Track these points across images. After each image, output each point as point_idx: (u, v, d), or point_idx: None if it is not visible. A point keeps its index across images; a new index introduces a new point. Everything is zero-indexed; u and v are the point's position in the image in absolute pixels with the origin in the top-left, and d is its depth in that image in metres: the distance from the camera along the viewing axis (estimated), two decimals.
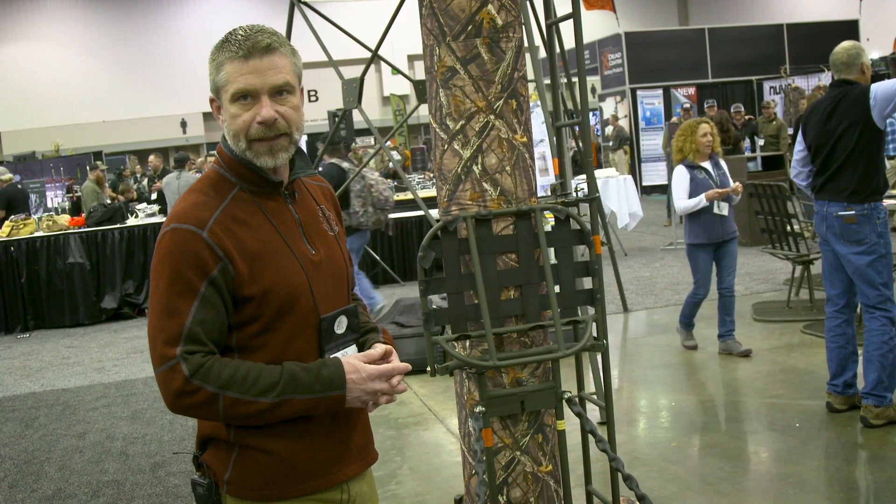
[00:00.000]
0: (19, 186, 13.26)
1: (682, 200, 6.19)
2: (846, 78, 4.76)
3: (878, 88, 4.57)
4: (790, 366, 6.02)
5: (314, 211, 2.01)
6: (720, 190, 6.12)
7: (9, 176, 12.63)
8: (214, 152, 2.03)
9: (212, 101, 1.91)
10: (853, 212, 4.66)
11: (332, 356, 1.90)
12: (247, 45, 1.81)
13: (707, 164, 6.26)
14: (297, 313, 1.87)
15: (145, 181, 17.20)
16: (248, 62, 1.81)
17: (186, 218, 1.81)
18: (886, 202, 4.91)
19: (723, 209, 6.17)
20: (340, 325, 1.96)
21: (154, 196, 13.55)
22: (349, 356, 1.89)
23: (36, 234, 10.45)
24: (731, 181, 6.29)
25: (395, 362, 1.93)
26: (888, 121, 4.65)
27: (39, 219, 11.23)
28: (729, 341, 6.34)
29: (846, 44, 4.84)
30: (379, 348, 1.94)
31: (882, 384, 4.67)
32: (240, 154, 1.88)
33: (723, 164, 6.41)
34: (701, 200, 6.10)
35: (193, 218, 1.81)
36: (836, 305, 4.92)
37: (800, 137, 4.97)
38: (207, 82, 1.92)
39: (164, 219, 10.86)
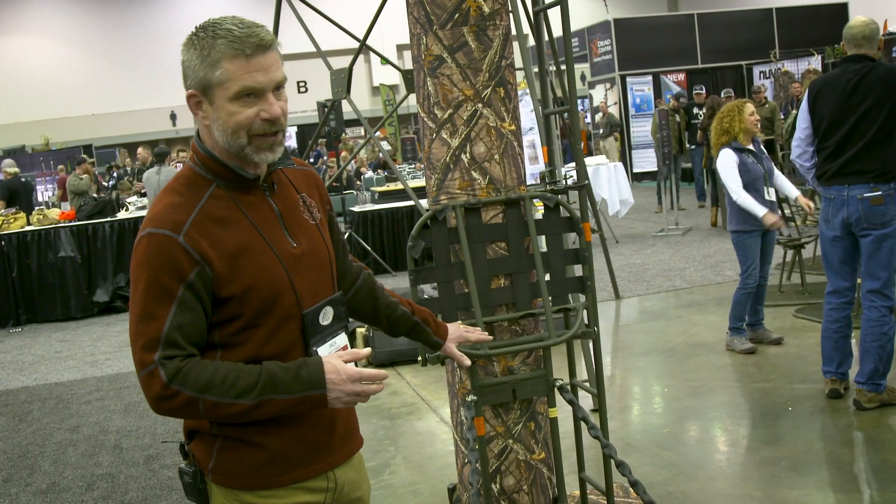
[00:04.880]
0: (23, 180, 13.23)
1: (741, 191, 5.81)
2: (865, 53, 4.57)
3: None
4: (782, 350, 6.04)
5: (294, 200, 1.98)
6: (781, 222, 5.89)
7: (15, 170, 12.65)
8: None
9: (192, 96, 1.84)
10: (880, 192, 4.49)
11: (314, 356, 1.88)
12: (251, 42, 1.76)
13: (751, 147, 6.04)
14: (279, 309, 1.86)
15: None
16: (252, 60, 1.77)
17: (163, 222, 1.78)
18: None
19: (772, 194, 6.00)
20: (326, 316, 1.95)
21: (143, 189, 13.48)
22: (331, 356, 1.87)
23: (27, 228, 10.41)
24: (773, 164, 6.00)
25: (372, 370, 1.88)
26: None
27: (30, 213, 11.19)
28: (760, 330, 6.23)
29: (864, 18, 4.64)
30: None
31: (878, 373, 4.67)
32: (235, 150, 1.83)
33: (762, 146, 6.19)
34: (760, 212, 5.76)
35: (169, 222, 1.78)
36: (845, 297, 4.80)
37: (805, 114, 4.74)
38: None
39: None
